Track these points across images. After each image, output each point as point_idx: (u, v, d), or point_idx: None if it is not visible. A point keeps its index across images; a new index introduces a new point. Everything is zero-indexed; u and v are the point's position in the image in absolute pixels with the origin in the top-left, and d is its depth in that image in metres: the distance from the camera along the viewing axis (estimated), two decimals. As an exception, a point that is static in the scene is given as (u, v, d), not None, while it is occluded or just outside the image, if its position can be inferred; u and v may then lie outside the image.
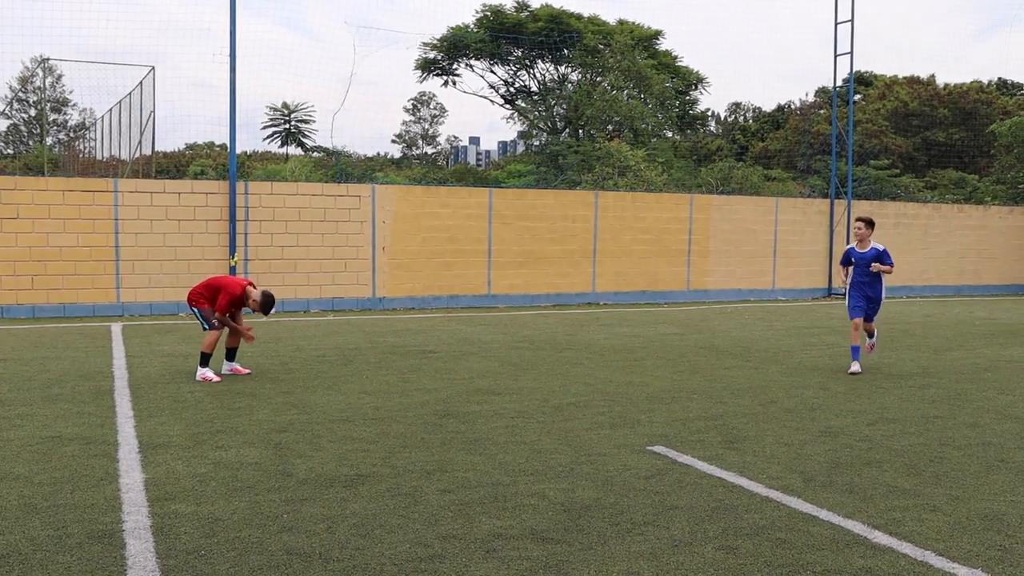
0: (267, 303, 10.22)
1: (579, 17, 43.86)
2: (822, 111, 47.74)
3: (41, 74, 43.79)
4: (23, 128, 56.98)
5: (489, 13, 44.66)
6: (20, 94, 51.67)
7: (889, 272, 11.17)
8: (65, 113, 54.02)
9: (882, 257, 11.19)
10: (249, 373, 10.64)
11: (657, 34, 46.24)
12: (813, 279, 24.79)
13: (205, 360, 10.24)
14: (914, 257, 26.16)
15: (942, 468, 6.71)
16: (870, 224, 11.34)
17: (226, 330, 10.53)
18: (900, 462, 6.86)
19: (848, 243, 10.50)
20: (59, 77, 49.09)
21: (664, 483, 6.20)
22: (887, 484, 6.25)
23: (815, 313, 19.78)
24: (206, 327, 10.31)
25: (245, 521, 5.29)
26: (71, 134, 49.18)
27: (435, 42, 45.02)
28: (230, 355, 10.64)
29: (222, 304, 10.20)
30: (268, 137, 63.13)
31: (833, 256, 24.57)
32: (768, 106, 59.64)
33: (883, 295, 11.48)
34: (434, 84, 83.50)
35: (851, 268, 11.44)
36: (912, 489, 6.13)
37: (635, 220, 21.98)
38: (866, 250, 11.29)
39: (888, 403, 9.30)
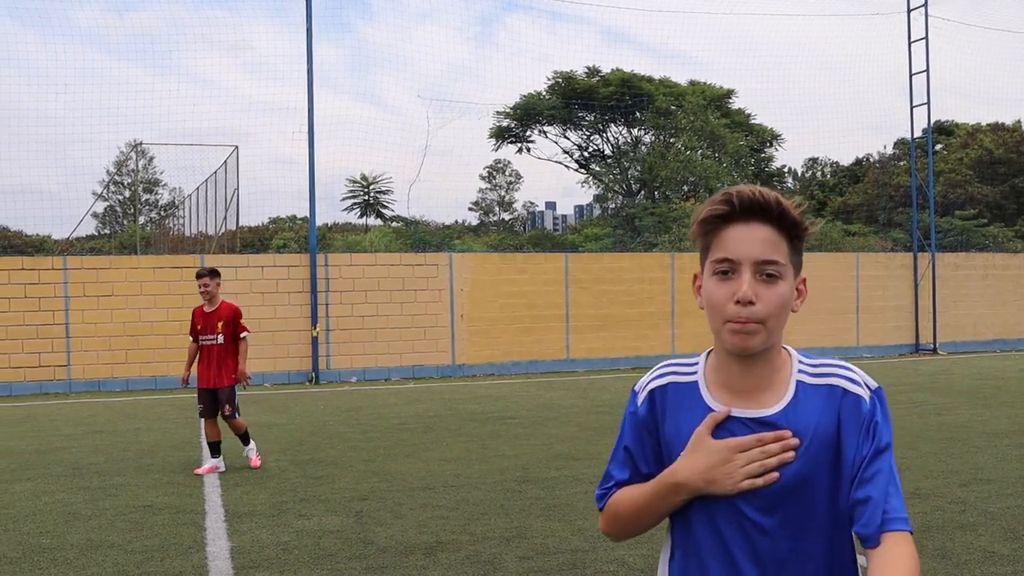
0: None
1: (650, 80, 44.09)
2: (902, 163, 46.98)
3: (135, 157, 45.73)
4: (118, 209, 59.40)
5: (561, 80, 45.19)
6: (116, 177, 53.94)
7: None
8: (156, 193, 56.16)
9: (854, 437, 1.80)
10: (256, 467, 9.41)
11: (729, 93, 46.23)
12: (899, 335, 24.20)
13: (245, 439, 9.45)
14: (1006, 309, 25.36)
15: (1040, 530, 6.46)
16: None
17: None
18: (996, 526, 6.61)
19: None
20: (151, 159, 51.14)
21: (747, 548, 6.07)
22: (983, 549, 6.03)
23: (902, 370, 19.29)
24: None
25: (327, 590, 5.35)
26: (162, 213, 51.08)
27: (508, 110, 45.63)
28: (245, 439, 9.49)
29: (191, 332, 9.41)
30: (347, 208, 64.51)
31: (920, 311, 23.97)
32: (846, 160, 58.77)
33: None
34: (509, 151, 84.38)
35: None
36: (1010, 555, 5.90)
37: (713, 280, 21.78)
38: (772, 409, 1.82)
39: (982, 463, 8.99)
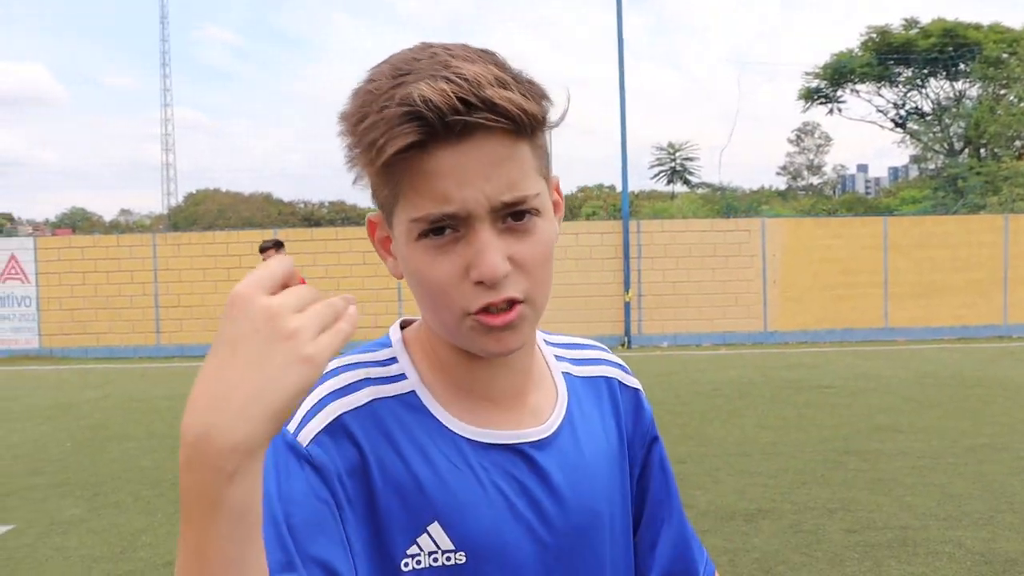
0: None
1: (977, 27, 40.65)
2: None
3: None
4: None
5: (874, 35, 42.78)
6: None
7: None
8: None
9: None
10: None
11: (1078, 32, 41.63)
12: None
13: None
14: None
15: None
16: None
17: None
18: None
19: None
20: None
21: (1103, 536, 5.67)
22: None
23: None
24: None
25: (655, 546, 5.61)
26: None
27: (818, 71, 43.90)
28: None
29: None
30: (654, 176, 64.88)
31: None
32: None
33: None
34: (818, 113, 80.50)
35: None
36: None
37: (1055, 244, 19.94)
38: (548, 424, 1.08)
39: None
